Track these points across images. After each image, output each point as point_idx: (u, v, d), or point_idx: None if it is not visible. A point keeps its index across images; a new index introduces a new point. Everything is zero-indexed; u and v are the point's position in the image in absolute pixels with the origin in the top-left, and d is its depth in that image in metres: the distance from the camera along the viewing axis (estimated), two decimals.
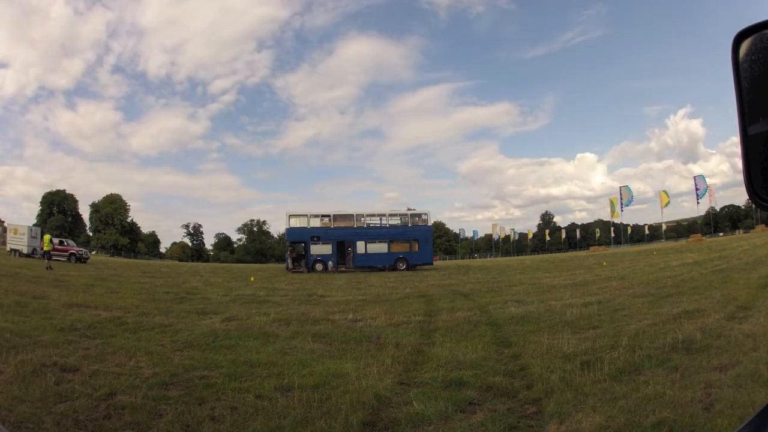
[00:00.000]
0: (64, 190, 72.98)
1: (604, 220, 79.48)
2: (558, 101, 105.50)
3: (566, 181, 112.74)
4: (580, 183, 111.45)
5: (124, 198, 73.53)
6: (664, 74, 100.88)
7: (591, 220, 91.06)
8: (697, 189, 59.31)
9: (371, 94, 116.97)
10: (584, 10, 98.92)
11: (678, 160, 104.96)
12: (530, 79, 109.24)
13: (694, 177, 61.32)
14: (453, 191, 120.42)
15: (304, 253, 27.80)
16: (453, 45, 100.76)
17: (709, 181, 61.58)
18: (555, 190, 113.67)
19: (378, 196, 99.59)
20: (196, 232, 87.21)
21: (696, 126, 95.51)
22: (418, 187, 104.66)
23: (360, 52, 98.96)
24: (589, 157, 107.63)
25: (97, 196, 75.91)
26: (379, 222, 30.38)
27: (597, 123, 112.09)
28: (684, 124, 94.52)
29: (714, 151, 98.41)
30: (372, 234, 28.72)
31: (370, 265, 27.47)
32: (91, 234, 72.65)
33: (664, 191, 64.27)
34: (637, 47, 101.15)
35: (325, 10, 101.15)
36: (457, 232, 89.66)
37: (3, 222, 76.18)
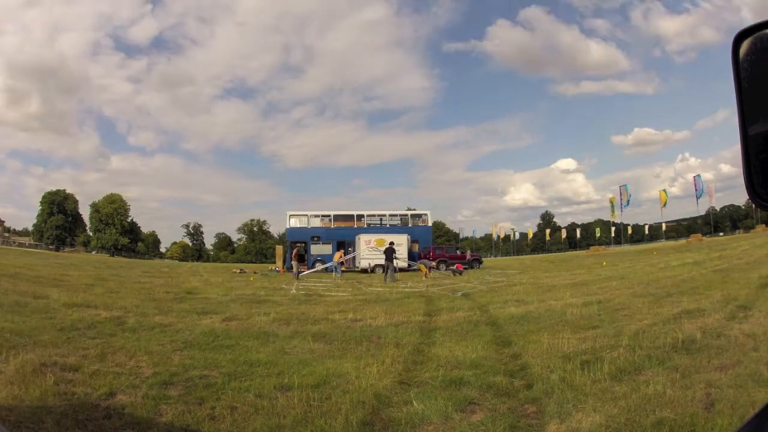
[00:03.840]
0: (65, 190, 72.94)
1: (605, 220, 79.51)
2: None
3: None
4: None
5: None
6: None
7: (591, 220, 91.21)
8: (696, 189, 59.22)
9: None
10: None
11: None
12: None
13: (694, 177, 61.28)
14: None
15: (304, 253, 27.69)
16: None
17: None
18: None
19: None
20: (196, 232, 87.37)
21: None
22: None
23: None
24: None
25: None
26: (379, 222, 30.40)
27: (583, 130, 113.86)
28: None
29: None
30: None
31: None
32: (91, 234, 72.60)
33: (663, 190, 64.23)
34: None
35: None
36: (457, 231, 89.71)
37: (3, 222, 76.38)
